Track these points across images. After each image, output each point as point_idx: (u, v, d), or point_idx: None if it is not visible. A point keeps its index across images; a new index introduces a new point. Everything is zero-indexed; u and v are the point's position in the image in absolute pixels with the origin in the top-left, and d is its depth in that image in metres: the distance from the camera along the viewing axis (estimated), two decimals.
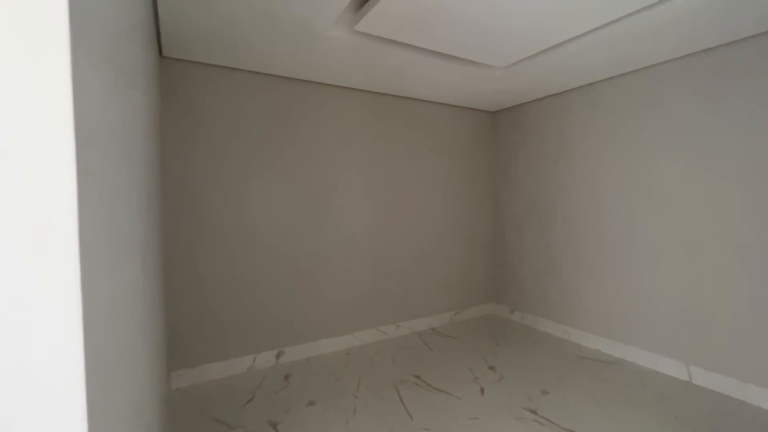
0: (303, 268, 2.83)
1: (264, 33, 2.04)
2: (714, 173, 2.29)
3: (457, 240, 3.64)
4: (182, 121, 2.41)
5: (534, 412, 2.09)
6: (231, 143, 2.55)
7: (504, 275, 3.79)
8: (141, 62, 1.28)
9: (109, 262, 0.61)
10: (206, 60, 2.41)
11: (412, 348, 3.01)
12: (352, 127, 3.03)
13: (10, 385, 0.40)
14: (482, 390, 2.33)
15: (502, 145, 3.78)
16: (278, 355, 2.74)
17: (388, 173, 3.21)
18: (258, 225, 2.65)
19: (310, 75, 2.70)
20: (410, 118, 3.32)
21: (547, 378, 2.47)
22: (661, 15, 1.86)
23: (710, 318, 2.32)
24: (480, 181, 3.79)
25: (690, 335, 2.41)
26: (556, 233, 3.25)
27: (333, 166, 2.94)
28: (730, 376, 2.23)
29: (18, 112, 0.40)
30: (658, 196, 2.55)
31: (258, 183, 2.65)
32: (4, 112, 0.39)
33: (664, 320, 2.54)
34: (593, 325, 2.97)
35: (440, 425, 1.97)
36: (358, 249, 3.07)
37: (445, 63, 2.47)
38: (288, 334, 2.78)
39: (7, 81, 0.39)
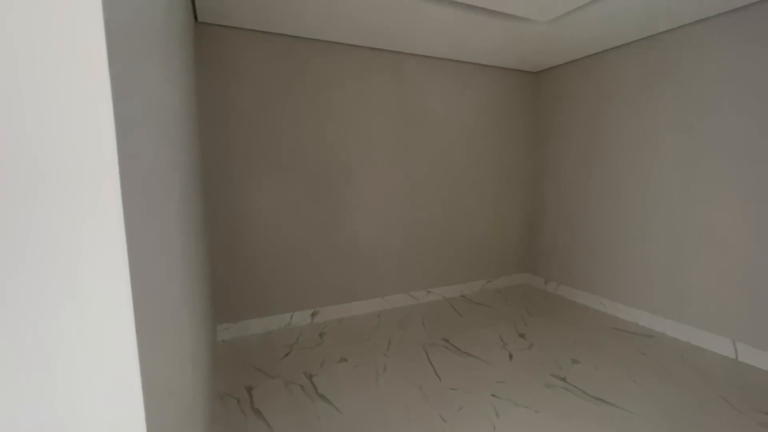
0: (339, 233, 2.90)
1: None
2: None
3: (493, 207, 3.56)
4: (218, 83, 2.46)
5: (563, 379, 2.09)
6: (267, 104, 2.59)
7: (540, 245, 3.69)
8: (177, 28, 1.30)
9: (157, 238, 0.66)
10: (240, 24, 2.41)
11: (442, 313, 3.06)
12: (385, 87, 2.96)
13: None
14: (511, 356, 2.35)
15: (543, 110, 3.56)
16: (313, 315, 2.89)
17: (423, 137, 3.15)
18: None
19: (341, 36, 2.63)
20: (446, 80, 3.18)
21: (579, 348, 2.44)
22: None
23: (761, 292, 2.15)
24: (520, 148, 3.63)
25: (739, 310, 2.26)
26: (597, 204, 3.08)
27: (366, 129, 2.92)
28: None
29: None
30: (713, 163, 2.33)
31: (293, 144, 2.69)
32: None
33: (710, 294, 2.39)
34: (631, 297, 2.85)
35: (467, 386, 2.03)
36: (391, 215, 3.09)
37: (482, 18, 2.31)
38: (323, 295, 2.91)
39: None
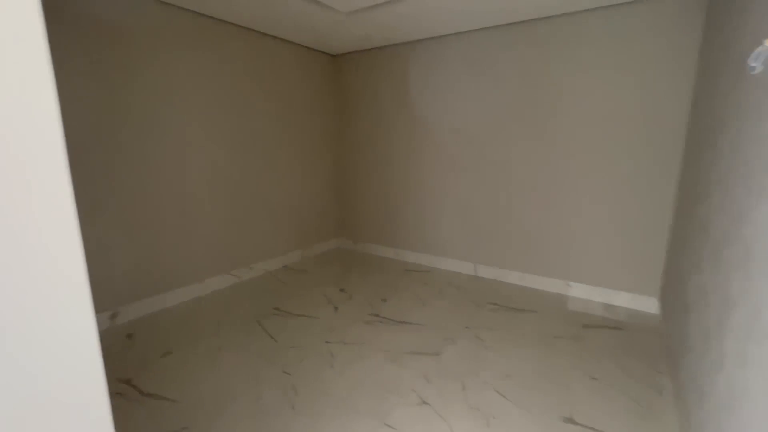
0: (137, 215, 2.48)
1: None
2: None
3: (302, 180, 3.79)
4: None
5: (377, 315, 2.61)
6: None
7: (346, 211, 4.21)
8: None
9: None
10: None
11: (268, 286, 3.14)
12: (189, 52, 2.63)
13: None
14: (336, 308, 2.72)
15: (342, 89, 3.97)
16: (112, 317, 2.42)
17: (230, 109, 2.99)
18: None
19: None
20: (252, 53, 3.09)
21: (385, 290, 3.05)
22: None
23: (482, 227, 3.29)
24: (326, 123, 3.94)
25: (475, 241, 3.37)
26: (385, 169, 3.78)
27: (169, 95, 2.54)
28: (501, 268, 3.28)
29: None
30: (454, 135, 3.30)
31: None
32: None
33: (455, 235, 3.44)
34: (412, 244, 3.73)
35: (303, 341, 2.26)
36: (201, 192, 2.86)
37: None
38: (120, 293, 2.47)
39: None
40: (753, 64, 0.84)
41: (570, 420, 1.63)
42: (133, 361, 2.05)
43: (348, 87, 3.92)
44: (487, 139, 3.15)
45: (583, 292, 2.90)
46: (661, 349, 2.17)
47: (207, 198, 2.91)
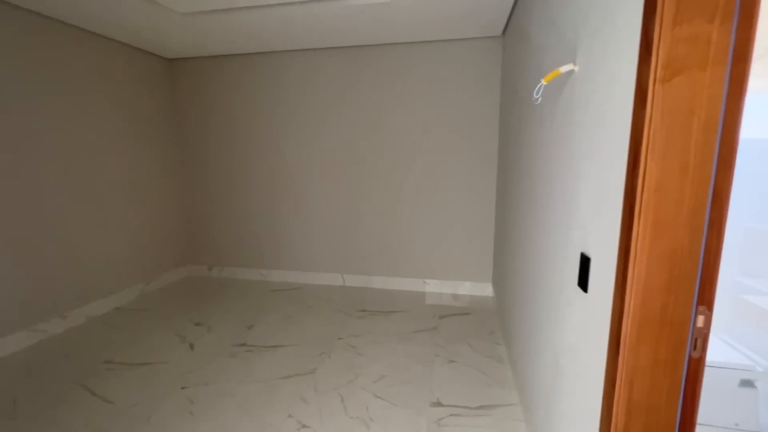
0: None
1: None
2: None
3: (139, 202, 3.19)
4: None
5: (243, 344, 2.38)
6: None
7: (198, 234, 3.74)
8: None
9: None
10: None
11: (94, 336, 2.51)
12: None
13: None
14: (191, 346, 2.36)
15: (186, 97, 3.53)
16: None
17: (50, 138, 2.29)
18: None
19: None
20: (74, 50, 2.45)
21: (250, 316, 2.82)
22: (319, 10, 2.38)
23: (348, 237, 3.41)
24: (163, 136, 3.42)
25: (341, 252, 3.44)
26: (243, 186, 3.54)
27: None
28: (367, 275, 3.43)
29: None
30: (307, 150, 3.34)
31: None
32: None
33: (319, 246, 3.47)
34: (278, 262, 3.58)
35: (151, 394, 1.88)
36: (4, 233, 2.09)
37: None
38: None
39: None
40: (536, 96, 1.12)
41: (438, 404, 1.82)
42: None
43: (192, 96, 3.51)
44: (339, 154, 3.28)
45: (437, 287, 3.29)
46: (497, 325, 2.63)
47: (8, 238, 2.15)
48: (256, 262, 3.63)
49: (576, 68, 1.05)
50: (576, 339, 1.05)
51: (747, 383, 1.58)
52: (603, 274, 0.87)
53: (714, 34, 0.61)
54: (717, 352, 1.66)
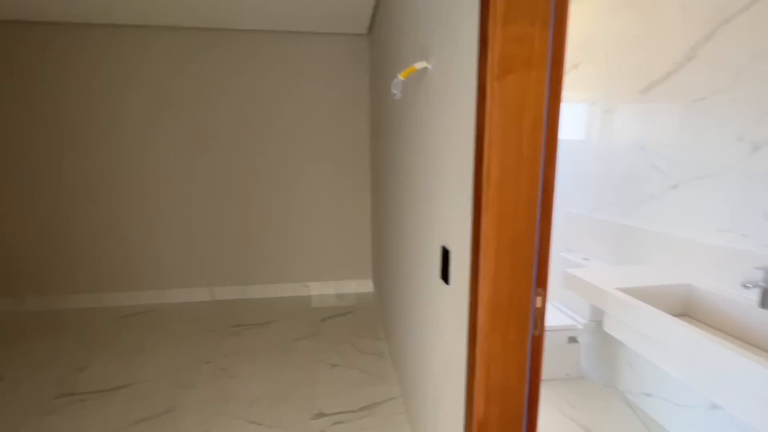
0: None
1: None
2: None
3: None
4: None
5: (70, 393, 1.86)
6: None
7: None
8: None
9: None
10: None
11: None
12: None
13: None
14: None
15: None
16: None
17: None
18: None
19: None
20: None
21: (82, 354, 2.24)
22: None
23: (216, 245, 3.03)
24: None
25: (208, 263, 3.03)
26: (66, 190, 2.80)
27: None
28: (241, 284, 3.09)
29: None
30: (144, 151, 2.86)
31: None
32: None
33: (185, 257, 3.01)
34: (124, 282, 2.96)
35: None
36: None
37: None
38: None
39: None
40: (394, 92, 1.12)
41: (320, 414, 1.72)
42: None
43: None
44: (198, 154, 2.88)
45: (320, 289, 3.18)
46: (379, 320, 2.67)
47: None
48: (92, 284, 2.92)
49: (429, 66, 1.07)
50: (441, 330, 1.08)
51: (572, 339, 1.93)
52: (461, 266, 0.89)
53: (536, 37, 0.66)
54: (551, 317, 1.98)
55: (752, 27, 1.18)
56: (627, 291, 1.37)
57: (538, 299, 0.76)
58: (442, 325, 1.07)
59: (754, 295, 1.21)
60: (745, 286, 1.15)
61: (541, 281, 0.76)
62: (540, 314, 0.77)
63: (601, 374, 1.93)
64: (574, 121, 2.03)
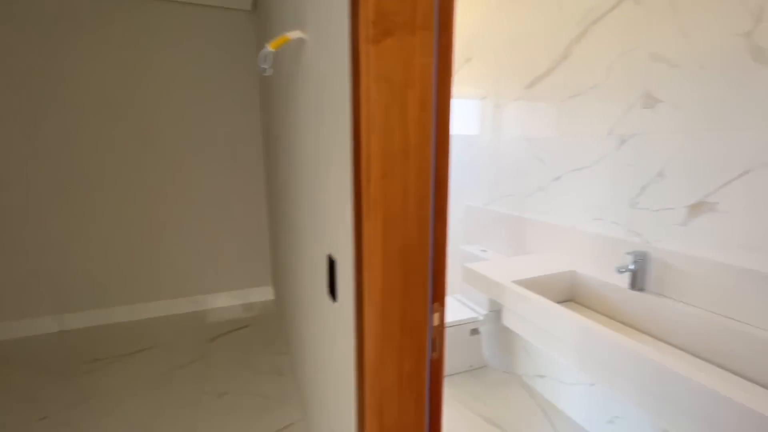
0: None
1: None
2: None
3: None
4: None
5: None
6: None
7: None
8: None
9: None
10: None
11: None
12: None
13: None
14: None
15: None
16: None
17: None
18: None
19: None
20: None
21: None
22: None
23: (68, 264, 2.41)
24: None
25: (53, 286, 2.39)
26: None
27: None
28: (102, 308, 2.49)
29: None
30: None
31: None
32: None
33: (19, 279, 2.33)
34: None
35: None
36: None
37: None
38: None
39: None
40: (263, 66, 0.90)
41: None
42: None
43: None
44: (52, 149, 2.23)
45: (212, 302, 2.76)
46: (279, 330, 2.40)
47: None
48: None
49: (305, 36, 0.88)
50: (329, 356, 0.91)
51: (474, 332, 1.95)
52: (347, 281, 0.73)
53: None
54: (453, 311, 1.98)
55: (618, 26, 1.25)
56: (521, 283, 1.38)
57: (436, 316, 0.64)
58: (330, 350, 0.90)
59: (626, 279, 1.30)
60: (619, 271, 1.23)
61: (437, 295, 0.63)
62: (439, 333, 0.65)
63: (501, 361, 2.00)
64: (469, 115, 2.04)
